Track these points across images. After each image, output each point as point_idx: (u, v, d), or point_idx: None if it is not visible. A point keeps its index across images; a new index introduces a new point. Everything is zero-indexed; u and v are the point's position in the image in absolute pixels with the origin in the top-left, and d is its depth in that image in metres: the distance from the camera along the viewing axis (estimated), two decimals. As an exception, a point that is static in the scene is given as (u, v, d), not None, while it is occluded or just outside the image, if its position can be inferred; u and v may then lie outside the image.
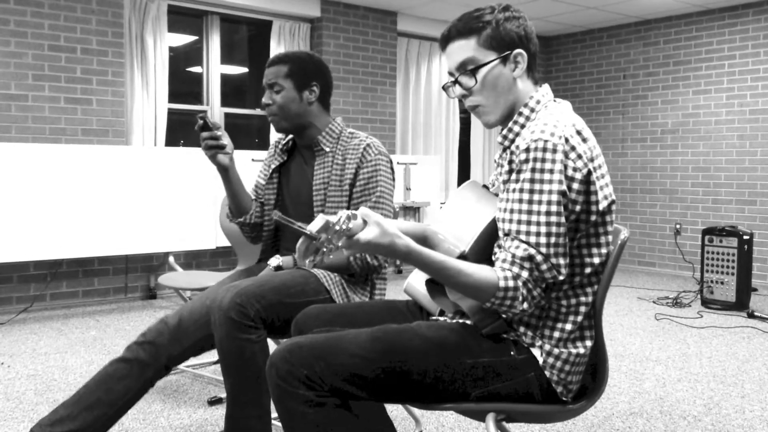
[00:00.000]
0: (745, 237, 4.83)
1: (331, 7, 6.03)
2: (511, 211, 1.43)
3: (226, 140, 2.18)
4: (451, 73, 1.57)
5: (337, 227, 1.30)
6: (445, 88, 1.60)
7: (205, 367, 3.32)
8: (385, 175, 2.20)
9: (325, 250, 1.31)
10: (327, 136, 2.26)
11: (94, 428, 1.93)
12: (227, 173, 2.23)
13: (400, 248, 1.36)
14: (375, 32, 6.32)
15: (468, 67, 1.53)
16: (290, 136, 2.36)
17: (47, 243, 4.32)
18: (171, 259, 4.94)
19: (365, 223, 1.36)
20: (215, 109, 5.72)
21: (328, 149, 2.25)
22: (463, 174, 7.37)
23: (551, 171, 1.39)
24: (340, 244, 1.33)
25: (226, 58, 5.82)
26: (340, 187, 2.20)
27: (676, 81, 6.60)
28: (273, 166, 2.37)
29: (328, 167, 2.23)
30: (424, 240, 1.60)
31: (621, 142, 7.04)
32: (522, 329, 1.50)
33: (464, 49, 1.53)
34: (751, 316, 4.62)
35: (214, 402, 2.84)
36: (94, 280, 4.95)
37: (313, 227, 1.30)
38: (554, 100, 1.56)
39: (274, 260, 2.21)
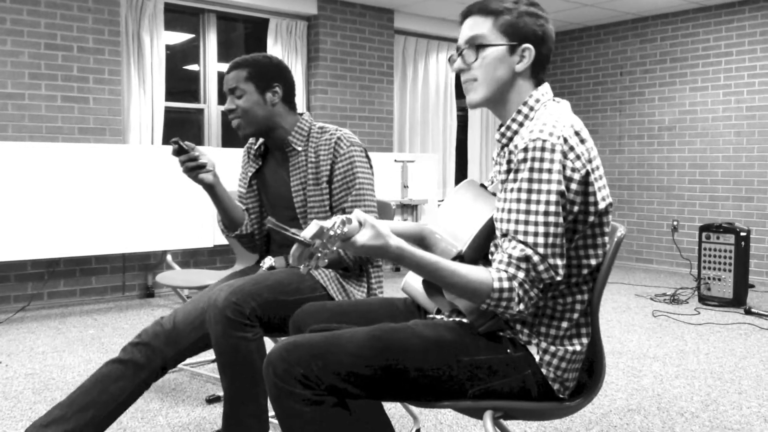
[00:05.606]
0: (742, 234, 4.83)
1: (327, 5, 6.02)
2: (509, 211, 1.43)
3: (204, 159, 2.14)
4: (459, 47, 1.58)
5: (332, 232, 1.29)
6: (450, 59, 1.61)
7: (204, 365, 3.32)
8: (362, 166, 2.19)
9: (319, 255, 1.30)
10: (296, 135, 2.23)
11: (88, 429, 1.92)
12: (213, 189, 2.20)
13: (392, 250, 1.36)
14: (372, 30, 6.32)
15: (475, 43, 1.54)
16: (261, 140, 2.33)
17: (44, 242, 4.32)
18: (169, 257, 4.94)
19: (361, 225, 1.36)
20: (212, 107, 5.71)
21: (300, 148, 2.22)
22: (461, 172, 7.37)
23: (549, 171, 1.39)
24: (335, 247, 1.32)
25: (223, 56, 5.81)
26: (318, 186, 2.18)
27: (673, 78, 6.61)
28: (249, 174, 2.35)
29: (303, 167, 2.22)
30: (421, 239, 1.59)
31: (618, 139, 7.05)
32: (518, 327, 1.51)
33: (478, 25, 1.54)
34: (748, 312, 4.63)
35: (212, 400, 2.84)
36: (91, 279, 4.95)
37: (307, 234, 1.29)
38: (554, 100, 1.56)
39: (267, 261, 2.21)
